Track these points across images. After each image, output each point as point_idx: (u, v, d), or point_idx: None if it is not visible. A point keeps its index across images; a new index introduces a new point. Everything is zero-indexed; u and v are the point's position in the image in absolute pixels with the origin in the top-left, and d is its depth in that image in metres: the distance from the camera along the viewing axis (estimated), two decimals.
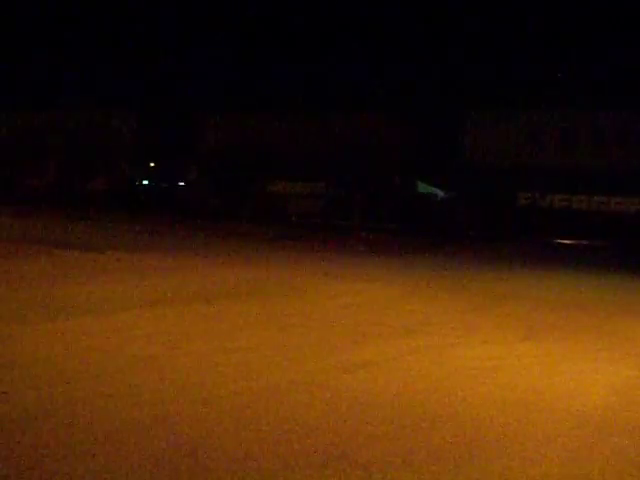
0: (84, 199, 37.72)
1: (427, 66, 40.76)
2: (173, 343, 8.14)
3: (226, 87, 48.29)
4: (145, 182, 40.32)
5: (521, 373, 7.59)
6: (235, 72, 49.82)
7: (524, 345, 9.08)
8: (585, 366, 8.07)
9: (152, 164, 41.66)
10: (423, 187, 29.97)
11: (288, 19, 48.10)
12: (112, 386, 6.32)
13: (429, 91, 38.06)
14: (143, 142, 40.72)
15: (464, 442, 5.37)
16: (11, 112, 54.13)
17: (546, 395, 6.77)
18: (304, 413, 5.85)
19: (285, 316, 10.21)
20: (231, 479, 4.54)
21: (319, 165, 32.59)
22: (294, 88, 44.15)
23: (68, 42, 59.46)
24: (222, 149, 37.27)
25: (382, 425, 5.65)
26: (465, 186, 28.91)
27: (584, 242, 26.38)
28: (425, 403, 6.30)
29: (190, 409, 5.81)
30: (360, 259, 18.29)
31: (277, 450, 5.00)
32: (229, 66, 51.29)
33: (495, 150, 28.92)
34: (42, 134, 50.17)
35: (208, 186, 36.77)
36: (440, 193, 29.54)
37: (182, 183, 38.88)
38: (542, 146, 29.25)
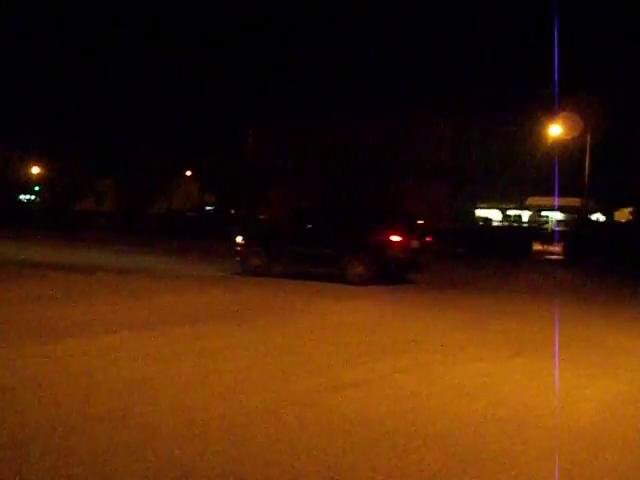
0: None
1: None
2: (162, 365, 8.09)
3: None
4: None
5: (512, 390, 7.57)
6: None
7: (515, 362, 9.08)
8: (576, 381, 8.06)
9: None
10: None
11: None
12: (101, 409, 6.27)
13: None
14: None
15: (456, 461, 5.34)
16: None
17: (537, 412, 6.75)
18: (295, 433, 5.82)
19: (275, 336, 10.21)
20: None
21: None
22: None
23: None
24: None
25: (373, 444, 5.61)
26: None
27: None
28: (416, 422, 6.27)
29: (180, 431, 5.76)
30: None
31: (268, 471, 4.97)
32: None
33: None
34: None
35: None
36: None
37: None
38: None
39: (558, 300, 16.15)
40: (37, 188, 68.15)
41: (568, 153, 47.32)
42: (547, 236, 41.04)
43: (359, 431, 5.95)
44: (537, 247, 37.98)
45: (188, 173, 70.52)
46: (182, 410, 6.34)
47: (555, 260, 34.21)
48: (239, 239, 20.23)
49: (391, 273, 18.76)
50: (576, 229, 42.27)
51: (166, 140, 64.63)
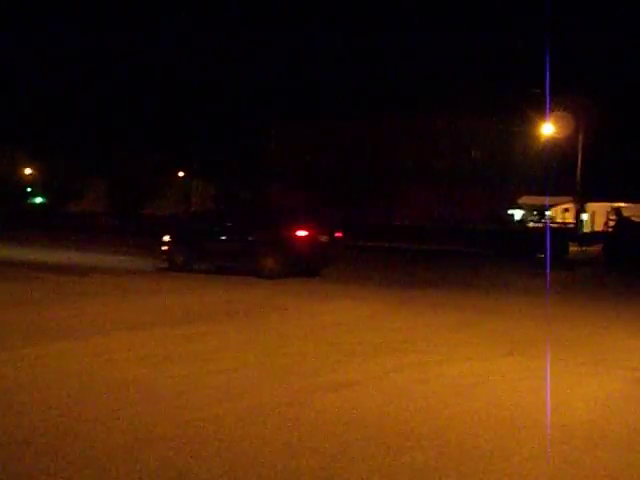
0: None
1: None
2: (155, 366, 8.08)
3: None
4: None
5: (505, 389, 7.58)
6: None
7: (508, 361, 9.09)
8: (569, 380, 8.08)
9: None
10: None
11: None
12: (94, 411, 6.26)
13: None
14: None
15: (449, 460, 5.35)
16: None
17: (531, 410, 6.76)
18: (288, 434, 5.82)
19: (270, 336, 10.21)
20: None
21: None
22: None
23: None
24: None
25: (367, 445, 5.61)
26: None
27: None
28: (410, 421, 6.27)
29: (174, 432, 5.75)
30: None
31: (262, 472, 4.96)
32: None
33: None
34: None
35: None
36: None
37: None
38: None
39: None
40: (29, 189, 67.96)
41: (561, 152, 47.37)
42: (583, 237, 39.95)
43: (353, 431, 5.95)
44: (574, 248, 36.89)
45: (180, 174, 70.47)
46: (176, 411, 6.33)
47: (591, 261, 33.24)
48: (166, 238, 20.96)
49: (301, 267, 19.47)
50: (615, 229, 40.95)
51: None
